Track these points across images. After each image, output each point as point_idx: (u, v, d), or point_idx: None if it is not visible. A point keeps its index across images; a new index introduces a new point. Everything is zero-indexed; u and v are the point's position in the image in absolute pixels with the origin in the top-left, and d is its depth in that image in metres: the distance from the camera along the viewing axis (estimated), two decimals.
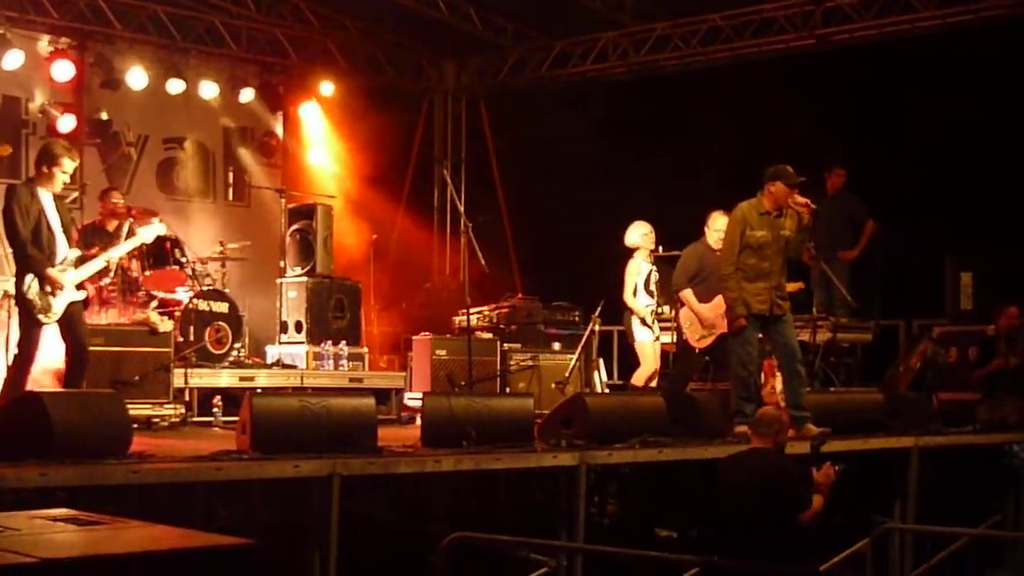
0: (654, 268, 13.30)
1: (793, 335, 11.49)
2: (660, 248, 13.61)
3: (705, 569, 7.67)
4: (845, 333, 14.53)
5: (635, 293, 13.23)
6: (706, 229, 12.57)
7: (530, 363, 14.75)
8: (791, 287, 12.73)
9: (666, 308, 13.23)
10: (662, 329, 13.41)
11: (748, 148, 15.69)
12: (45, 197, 10.10)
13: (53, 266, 9.94)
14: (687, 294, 12.38)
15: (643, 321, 13.23)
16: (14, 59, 15.16)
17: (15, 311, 10.48)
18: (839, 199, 15.49)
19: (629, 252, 13.31)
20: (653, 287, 13.24)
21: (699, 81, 17.31)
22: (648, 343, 13.31)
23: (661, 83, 17.72)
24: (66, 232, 10.21)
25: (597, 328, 14.30)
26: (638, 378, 13.37)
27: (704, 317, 12.33)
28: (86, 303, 10.45)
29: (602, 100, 18.15)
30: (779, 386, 13.31)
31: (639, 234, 13.29)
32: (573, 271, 15.33)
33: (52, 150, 10.39)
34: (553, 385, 14.24)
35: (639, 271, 13.25)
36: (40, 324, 9.98)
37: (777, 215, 11.30)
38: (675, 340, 12.89)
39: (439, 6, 17.39)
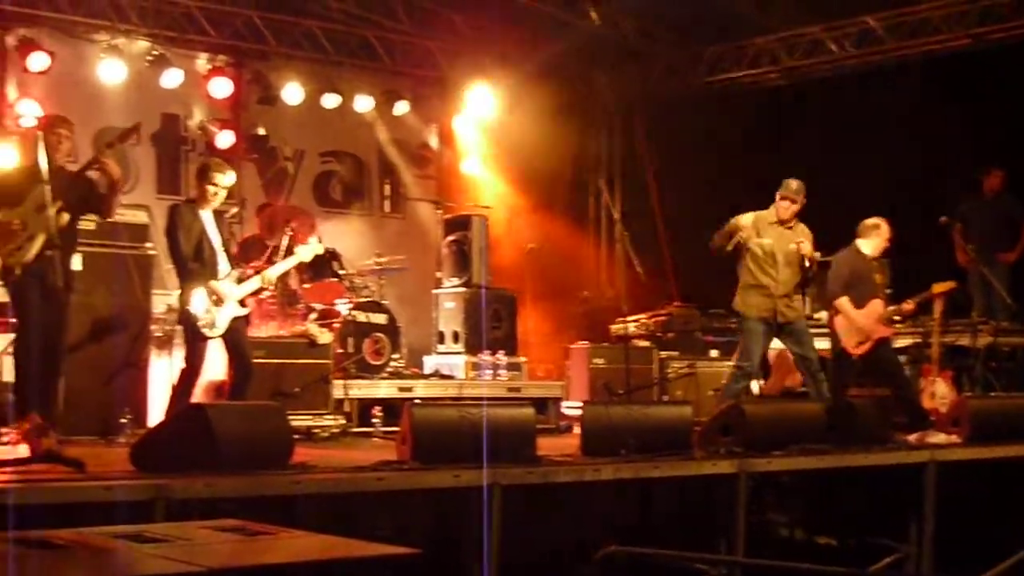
0: None
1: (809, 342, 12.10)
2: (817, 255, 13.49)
3: None
4: (1006, 337, 14.27)
5: None
6: (859, 235, 12.44)
7: (687, 371, 14.66)
8: (942, 287, 12.60)
9: (823, 314, 13.13)
10: (817, 336, 13.30)
11: (903, 151, 15.47)
12: (206, 216, 10.29)
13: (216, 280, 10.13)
14: (843, 302, 12.23)
15: None
16: (173, 78, 15.45)
17: (179, 327, 10.69)
18: (997, 200, 15.25)
19: None
20: None
21: (852, 84, 17.08)
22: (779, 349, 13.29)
23: (814, 87, 17.52)
24: (226, 250, 10.40)
25: None
26: (770, 388, 13.32)
27: (859, 324, 12.18)
28: (248, 320, 10.61)
29: (755, 106, 17.98)
30: (939, 391, 13.13)
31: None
32: (730, 278, 15.16)
33: (203, 167, 10.62)
34: (711, 393, 14.14)
35: None
36: (205, 339, 10.14)
37: (789, 227, 11.85)
38: (831, 347, 12.76)
39: (591, 16, 17.36)
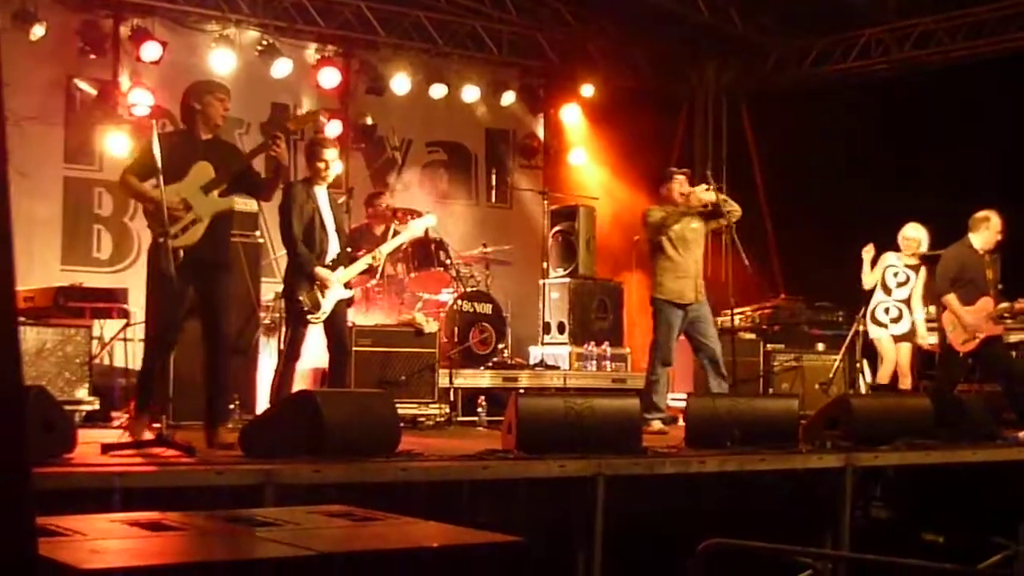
0: (898, 266, 13.10)
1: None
2: (925, 248, 13.40)
3: None
4: None
5: (874, 287, 13.21)
6: (969, 230, 12.31)
7: (793, 364, 14.62)
8: None
9: (931, 308, 13.04)
10: (929, 330, 13.21)
11: (1016, 144, 15.27)
12: (320, 193, 10.33)
13: (324, 265, 10.17)
14: (950, 298, 12.10)
15: (875, 319, 13.16)
16: (283, 67, 15.61)
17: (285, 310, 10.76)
18: None
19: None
20: (892, 284, 13.09)
21: (964, 76, 16.86)
22: (881, 339, 13.28)
23: (925, 79, 17.32)
24: (339, 230, 10.41)
25: (862, 329, 14.10)
26: (880, 376, 13.23)
27: (967, 321, 12.04)
28: (350, 302, 10.65)
29: (865, 98, 17.80)
30: None
31: (900, 235, 13.18)
32: (837, 271, 15.06)
33: (310, 143, 10.71)
34: (817, 386, 14.09)
35: (882, 264, 13.17)
36: (307, 323, 10.20)
37: (685, 211, 11.78)
38: (940, 342, 12.66)
39: (699, 6, 17.26)
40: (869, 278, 13.17)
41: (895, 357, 13.13)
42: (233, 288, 10.46)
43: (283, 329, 10.93)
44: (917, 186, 15.53)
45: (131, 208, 14.32)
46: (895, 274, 13.10)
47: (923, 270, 13.09)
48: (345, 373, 10.58)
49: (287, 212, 10.19)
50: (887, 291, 13.08)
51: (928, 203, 13.78)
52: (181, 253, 8.40)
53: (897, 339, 13.17)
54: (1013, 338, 13.74)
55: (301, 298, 10.09)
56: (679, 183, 11.92)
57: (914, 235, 13.12)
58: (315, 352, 10.94)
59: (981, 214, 12.27)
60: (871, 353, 15.31)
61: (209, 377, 8.98)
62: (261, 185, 9.49)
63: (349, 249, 10.70)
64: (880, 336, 13.18)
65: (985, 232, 12.20)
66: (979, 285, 12.12)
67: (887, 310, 13.09)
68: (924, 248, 13.12)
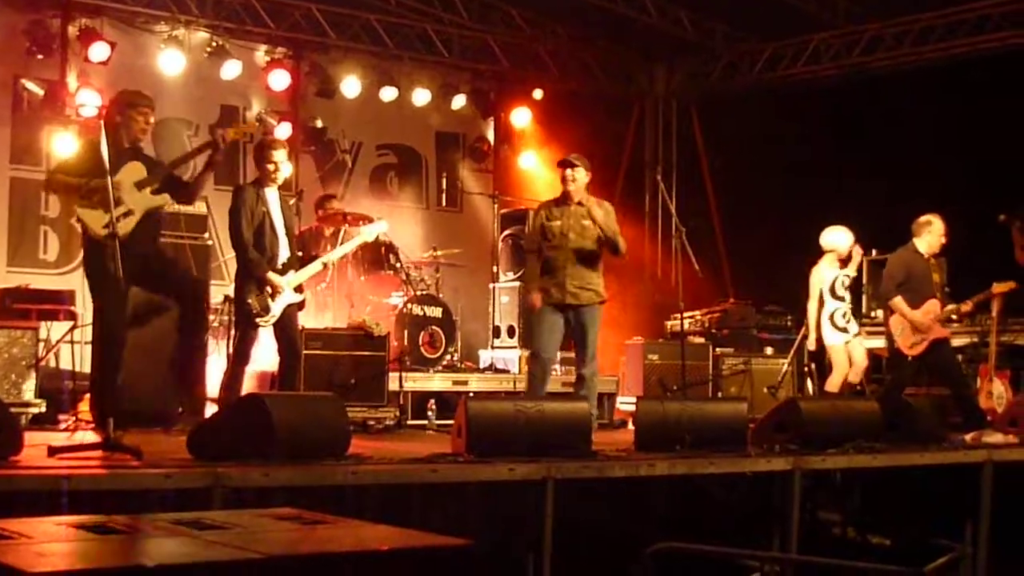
0: (842, 272, 13.13)
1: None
2: (873, 252, 13.45)
3: None
4: None
5: (821, 300, 13.11)
6: (913, 234, 12.36)
7: (742, 367, 14.70)
8: (1002, 287, 12.50)
9: (879, 312, 13.09)
10: (871, 334, 13.26)
11: (962, 150, 15.37)
12: (271, 196, 10.29)
13: (274, 268, 10.13)
14: (898, 301, 12.13)
15: (833, 324, 13.10)
16: (232, 69, 15.56)
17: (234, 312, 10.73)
18: None
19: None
20: (841, 290, 13.10)
21: (912, 82, 16.96)
22: (838, 347, 13.18)
23: (873, 84, 17.43)
24: (289, 233, 10.39)
25: (813, 336, 14.19)
26: (831, 384, 13.18)
27: (917, 323, 12.08)
28: (301, 306, 10.62)
29: (814, 102, 17.90)
30: (996, 391, 13.05)
31: (827, 239, 13.18)
32: (786, 275, 15.14)
33: (259, 146, 10.67)
34: (765, 390, 14.18)
35: (822, 279, 13.16)
36: (257, 327, 10.17)
37: (577, 204, 11.25)
38: (887, 346, 12.71)
39: (649, 10, 17.32)
40: (812, 304, 13.18)
41: (847, 366, 13.13)
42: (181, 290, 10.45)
43: (232, 332, 10.88)
44: (865, 190, 15.62)
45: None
46: (842, 282, 13.13)
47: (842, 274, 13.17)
48: (296, 377, 10.56)
49: (236, 215, 10.15)
50: (839, 299, 13.08)
51: (876, 207, 13.85)
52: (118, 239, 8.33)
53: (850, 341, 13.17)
54: (959, 341, 13.81)
55: (250, 301, 10.06)
56: None
57: (845, 239, 13.15)
58: (265, 355, 10.91)
59: (924, 218, 12.32)
60: (820, 357, 15.43)
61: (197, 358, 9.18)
62: (185, 189, 9.63)
63: (300, 253, 10.66)
64: (836, 343, 13.12)
65: (928, 236, 12.25)
66: (925, 289, 12.15)
67: (844, 314, 13.10)
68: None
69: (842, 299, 13.09)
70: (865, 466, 10.02)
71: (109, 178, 8.23)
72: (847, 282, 13.15)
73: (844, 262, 13.20)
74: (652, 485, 9.17)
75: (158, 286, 9.54)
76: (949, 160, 15.56)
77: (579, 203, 11.24)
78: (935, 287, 12.29)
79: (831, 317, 13.10)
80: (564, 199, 11.33)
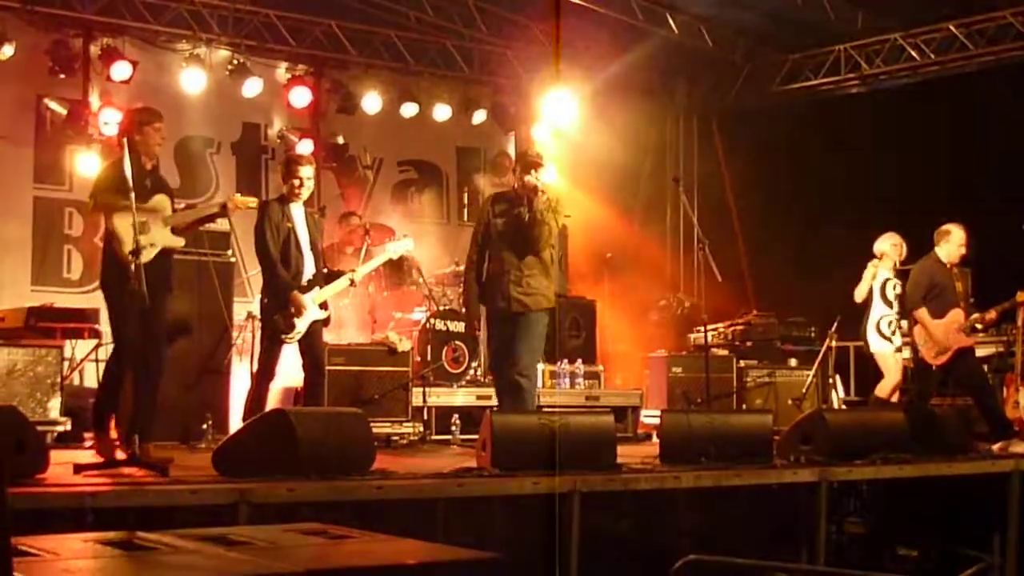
0: (894, 279, 12.97)
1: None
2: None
3: None
4: None
5: (870, 300, 12.96)
6: (934, 243, 12.30)
7: (766, 380, 14.66)
8: None
9: (904, 323, 13.00)
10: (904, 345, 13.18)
11: (982, 160, 15.33)
12: (296, 212, 10.27)
13: (299, 285, 10.12)
14: (921, 312, 12.07)
15: (879, 332, 12.94)
16: (253, 87, 15.58)
17: (259, 329, 10.72)
18: None
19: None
20: (891, 294, 12.92)
21: (935, 91, 16.92)
22: (886, 354, 12.93)
23: (895, 95, 17.38)
24: (314, 249, 10.35)
25: (834, 344, 14.13)
26: (881, 389, 12.98)
27: (938, 335, 12.01)
28: (327, 322, 10.61)
29: (835, 114, 17.86)
30: (1022, 400, 12.96)
31: (888, 244, 12.98)
32: (809, 287, 15.12)
33: (287, 161, 10.66)
34: (790, 401, 14.13)
35: (876, 275, 12.95)
36: (281, 343, 10.16)
37: (523, 200, 10.50)
38: (912, 356, 12.65)
39: (670, 25, 17.32)
40: (861, 289, 12.99)
41: (899, 374, 12.91)
42: (205, 307, 10.44)
43: (256, 348, 10.87)
44: (888, 201, 15.57)
45: (101, 228, 14.24)
46: (894, 287, 12.93)
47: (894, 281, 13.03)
48: (320, 394, 10.54)
49: (262, 231, 10.12)
50: (888, 304, 12.90)
51: (899, 218, 13.78)
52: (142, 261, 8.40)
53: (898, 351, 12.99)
54: (984, 351, 13.75)
55: (275, 318, 10.04)
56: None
57: (898, 241, 13.02)
58: (289, 371, 10.90)
59: (943, 227, 12.28)
60: (843, 368, 15.38)
61: (143, 391, 9.08)
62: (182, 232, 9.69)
63: (325, 269, 10.66)
64: (884, 350, 12.96)
65: (947, 245, 12.20)
66: (948, 298, 12.11)
67: (890, 323, 12.93)
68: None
69: (890, 304, 12.90)
70: (891, 477, 9.98)
71: (133, 196, 8.27)
72: (898, 288, 12.94)
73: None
74: (678, 498, 9.15)
75: (156, 309, 9.45)
76: (973, 169, 15.50)
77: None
78: (959, 296, 12.24)
79: (877, 324, 12.93)
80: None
